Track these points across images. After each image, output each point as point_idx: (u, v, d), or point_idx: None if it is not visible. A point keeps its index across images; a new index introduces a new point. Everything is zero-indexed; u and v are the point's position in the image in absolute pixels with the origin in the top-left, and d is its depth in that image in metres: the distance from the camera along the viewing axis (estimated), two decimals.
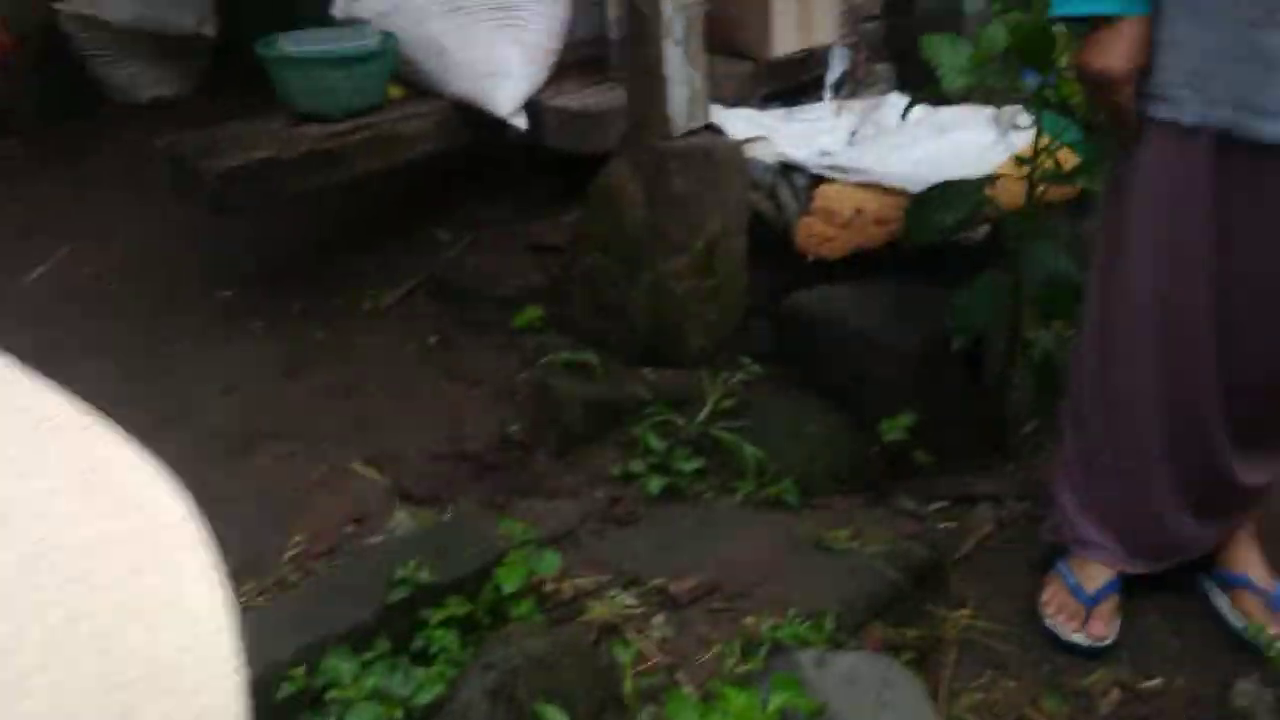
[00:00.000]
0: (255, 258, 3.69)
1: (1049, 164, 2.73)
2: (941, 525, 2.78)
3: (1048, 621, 2.49)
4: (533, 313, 3.13)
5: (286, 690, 2.03)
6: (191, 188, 3.03)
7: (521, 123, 3.46)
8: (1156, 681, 2.41)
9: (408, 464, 2.79)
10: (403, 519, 2.62)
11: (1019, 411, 3.05)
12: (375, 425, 2.92)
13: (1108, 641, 2.45)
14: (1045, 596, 2.53)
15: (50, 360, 2.49)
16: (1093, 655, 2.44)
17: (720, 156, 3.01)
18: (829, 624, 2.33)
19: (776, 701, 1.91)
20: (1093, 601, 2.47)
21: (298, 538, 2.55)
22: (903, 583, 2.53)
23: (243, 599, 2.37)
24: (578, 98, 3.50)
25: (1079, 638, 2.45)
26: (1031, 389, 2.99)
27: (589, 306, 3.08)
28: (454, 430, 2.87)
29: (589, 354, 2.99)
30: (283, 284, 3.51)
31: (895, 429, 2.79)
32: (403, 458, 2.80)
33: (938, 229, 2.66)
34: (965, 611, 2.59)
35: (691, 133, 3.02)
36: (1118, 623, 2.48)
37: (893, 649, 2.37)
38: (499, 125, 3.46)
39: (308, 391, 3.06)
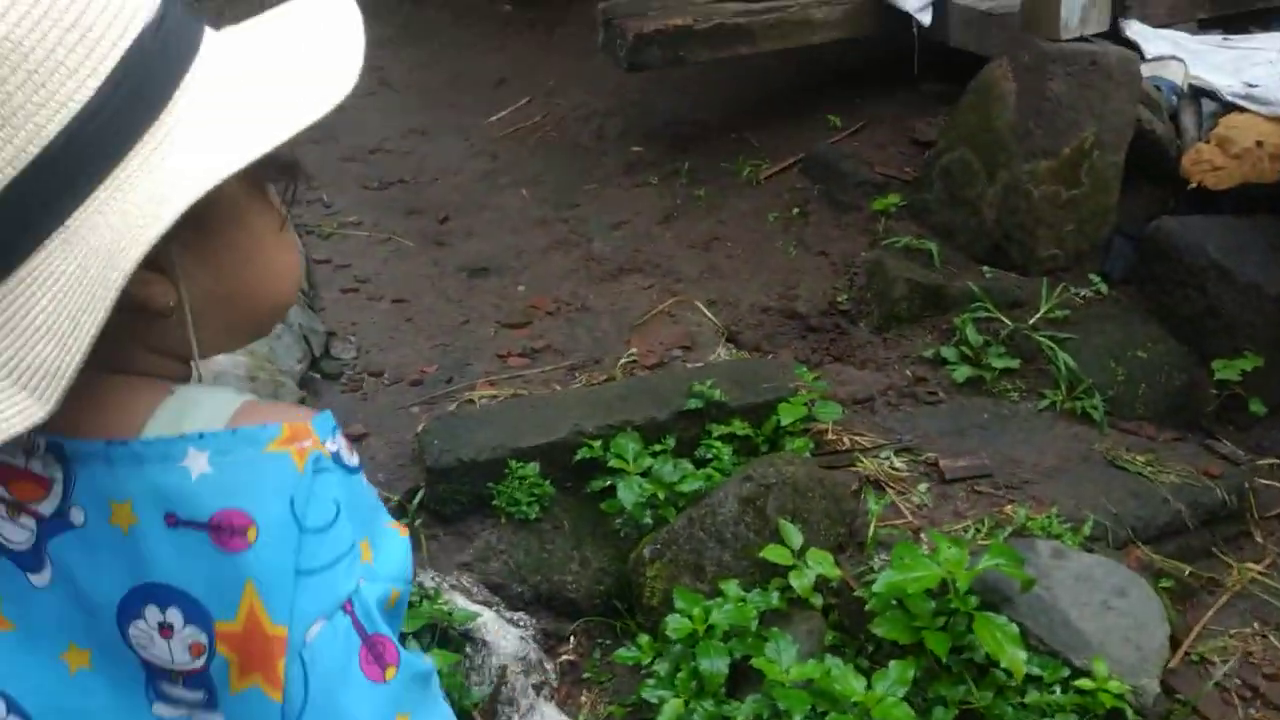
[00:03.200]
0: (667, 121, 4.11)
1: None
2: (1264, 482, 2.62)
3: None
4: (892, 199, 3.27)
5: (584, 455, 2.44)
6: (614, 47, 3.47)
7: (926, 18, 3.55)
8: None
9: (741, 311, 3.09)
10: (722, 354, 2.94)
11: None
12: (723, 274, 3.24)
13: None
14: None
15: (489, 185, 3.19)
16: None
17: (1107, 66, 2.94)
18: (1088, 530, 2.35)
19: (986, 562, 2.02)
20: None
21: (634, 350, 2.96)
22: (1188, 518, 2.46)
23: (578, 383, 2.83)
24: None
25: None
26: None
27: (945, 198, 3.17)
28: (789, 291, 3.12)
29: (932, 243, 3.09)
30: (682, 146, 3.91)
31: (1230, 370, 2.65)
32: (738, 305, 3.11)
33: None
34: (1258, 566, 2.46)
35: (1082, 39, 2.97)
36: None
37: (1154, 574, 2.34)
38: (905, 20, 3.57)
39: (676, 238, 3.44)
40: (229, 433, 0.76)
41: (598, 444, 2.45)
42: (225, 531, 0.74)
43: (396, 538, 0.83)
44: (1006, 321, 2.89)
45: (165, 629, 0.76)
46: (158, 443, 0.75)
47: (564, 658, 2.37)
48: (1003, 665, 1.93)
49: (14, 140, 0.68)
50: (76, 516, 0.76)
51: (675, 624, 2.12)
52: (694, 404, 2.53)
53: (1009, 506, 2.43)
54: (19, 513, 0.77)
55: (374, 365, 3.00)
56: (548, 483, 2.43)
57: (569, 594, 2.41)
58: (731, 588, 2.19)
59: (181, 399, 0.79)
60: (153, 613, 0.76)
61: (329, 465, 0.78)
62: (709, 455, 2.48)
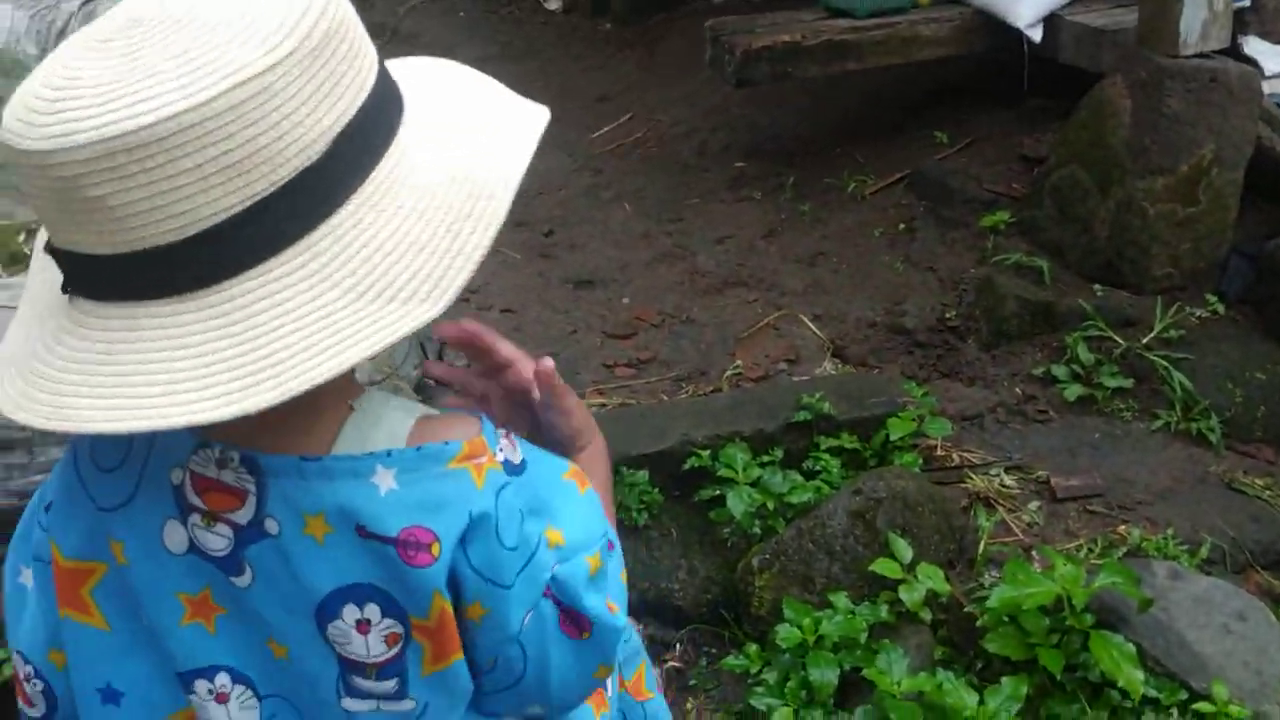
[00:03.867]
0: (769, 137, 4.14)
1: None
2: None
3: None
4: (1000, 216, 3.25)
5: (692, 464, 2.48)
6: (722, 63, 3.52)
7: (1036, 35, 3.52)
8: None
9: (847, 326, 3.10)
10: (828, 369, 2.95)
11: None
12: (828, 289, 3.26)
13: None
14: None
15: (592, 200, 3.22)
16: None
17: (1228, 83, 2.89)
18: (1204, 552, 2.31)
19: (1102, 580, 2.00)
20: None
21: (739, 363, 2.98)
22: None
23: (684, 394, 2.87)
24: (1101, 14, 3.47)
25: None
26: None
27: (1055, 216, 3.14)
28: (896, 306, 3.12)
29: (1042, 260, 3.07)
30: (785, 162, 3.94)
31: None
32: (844, 320, 3.12)
33: None
34: None
35: (1201, 55, 2.93)
36: None
37: (1274, 600, 2.29)
38: (1015, 36, 3.55)
39: (780, 252, 3.46)
40: (414, 451, 0.83)
41: (706, 453, 2.48)
42: (411, 547, 0.80)
43: (576, 497, 0.93)
44: (1119, 340, 2.86)
45: (362, 625, 0.83)
46: (347, 459, 0.82)
47: (670, 665, 2.40)
48: (1120, 685, 1.91)
49: (336, 106, 0.77)
50: (271, 527, 0.82)
51: (785, 633, 2.13)
52: (803, 416, 2.55)
53: (1122, 527, 2.40)
54: (215, 521, 0.83)
55: None
56: (656, 490, 2.47)
57: (676, 601, 2.44)
58: (840, 600, 2.20)
59: (363, 415, 0.86)
60: (350, 611, 0.83)
61: (505, 480, 0.86)
62: (817, 468, 2.50)
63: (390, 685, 0.85)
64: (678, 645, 2.43)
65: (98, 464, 0.87)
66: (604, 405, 2.83)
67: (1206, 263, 3.03)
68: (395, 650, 0.83)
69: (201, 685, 0.87)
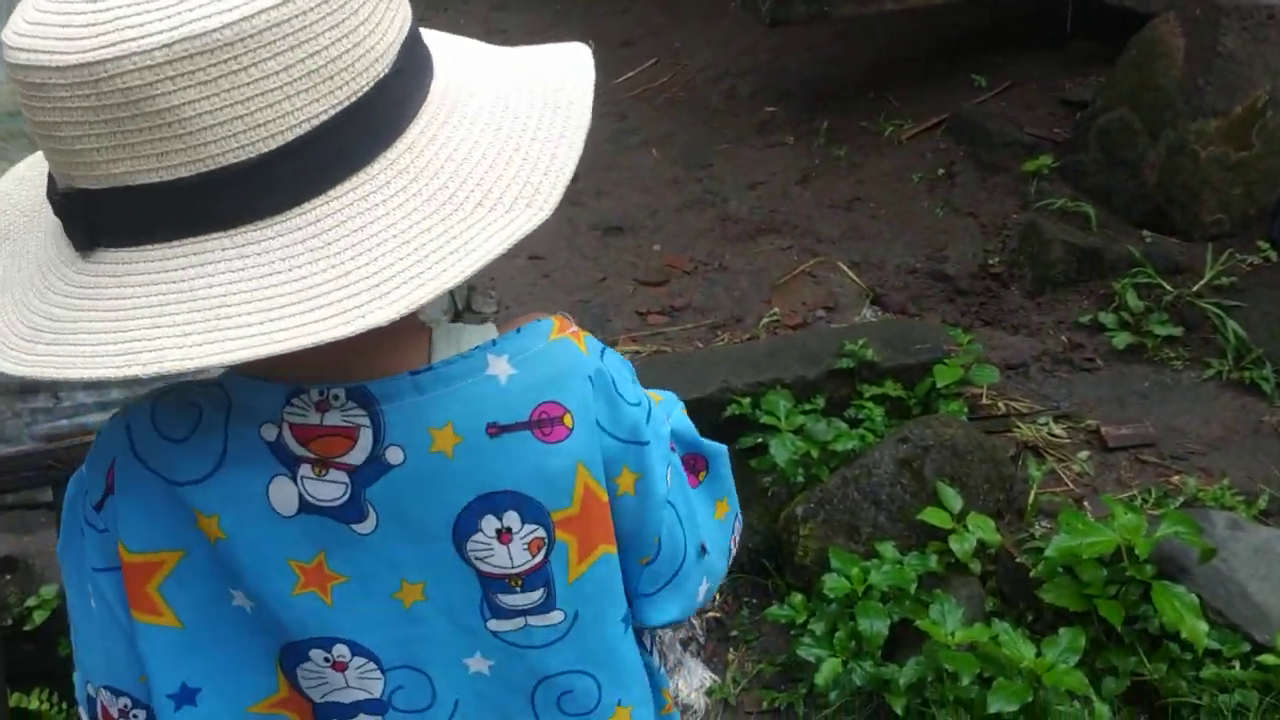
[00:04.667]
0: (800, 82, 4.04)
1: None
2: None
3: None
4: (1043, 160, 3.16)
5: (732, 411, 2.41)
6: (756, 2, 3.41)
7: None
8: None
9: (886, 273, 3.02)
10: (868, 316, 2.88)
11: None
12: (866, 235, 3.18)
13: None
14: None
15: (618, 144, 3.09)
16: None
17: None
18: (1263, 503, 2.25)
19: (1164, 530, 1.94)
20: None
21: (775, 310, 2.91)
22: None
23: (720, 341, 2.80)
24: None
25: None
26: None
27: (1102, 160, 3.05)
28: (937, 253, 3.04)
29: (1088, 205, 2.98)
30: (819, 106, 3.84)
31: None
32: (883, 267, 3.04)
33: None
34: None
35: None
36: None
37: None
38: None
39: (815, 198, 3.38)
40: (515, 333, 0.80)
41: (746, 401, 2.42)
42: (546, 425, 0.78)
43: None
44: (1168, 288, 2.78)
45: (504, 534, 0.79)
46: (457, 359, 0.78)
47: (710, 615, 2.36)
48: (1183, 636, 1.86)
49: (395, 20, 0.73)
50: (394, 456, 0.76)
51: (833, 583, 2.08)
52: (845, 363, 2.48)
53: (1176, 477, 2.34)
54: (325, 469, 0.76)
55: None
56: None
57: None
58: (888, 549, 2.15)
59: (445, 334, 0.81)
60: (489, 523, 0.78)
61: (601, 345, 0.85)
62: (860, 416, 2.43)
63: (537, 596, 0.81)
64: (718, 596, 2.38)
65: (165, 435, 0.78)
66: (638, 352, 2.77)
67: (1258, 208, 2.94)
68: (539, 558, 0.80)
69: (318, 654, 0.81)
